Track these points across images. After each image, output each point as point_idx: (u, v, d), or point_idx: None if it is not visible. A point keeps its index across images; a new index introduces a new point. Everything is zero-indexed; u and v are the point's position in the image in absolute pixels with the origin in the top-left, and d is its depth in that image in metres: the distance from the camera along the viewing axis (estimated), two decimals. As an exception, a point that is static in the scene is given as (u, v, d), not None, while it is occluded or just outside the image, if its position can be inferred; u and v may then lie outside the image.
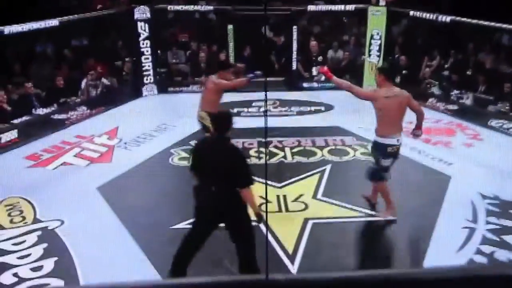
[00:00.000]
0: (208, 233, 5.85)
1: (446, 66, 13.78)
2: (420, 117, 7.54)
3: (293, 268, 6.44)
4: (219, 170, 5.65)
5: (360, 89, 7.78)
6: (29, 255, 6.72)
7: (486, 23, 11.75)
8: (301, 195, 8.36)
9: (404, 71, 13.90)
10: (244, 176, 5.67)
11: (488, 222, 7.50)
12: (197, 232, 5.89)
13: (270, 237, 7.01)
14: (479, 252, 6.78)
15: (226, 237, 5.91)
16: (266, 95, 4.98)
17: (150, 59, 13.88)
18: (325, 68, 8.00)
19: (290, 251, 6.78)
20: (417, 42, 14.98)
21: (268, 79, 12.86)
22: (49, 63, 13.54)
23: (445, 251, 6.78)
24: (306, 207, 8.02)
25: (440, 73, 13.74)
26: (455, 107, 12.63)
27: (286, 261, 6.58)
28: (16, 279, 6.21)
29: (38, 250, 6.83)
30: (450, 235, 7.13)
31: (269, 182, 8.71)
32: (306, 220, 7.57)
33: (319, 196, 8.40)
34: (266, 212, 7.64)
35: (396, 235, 7.48)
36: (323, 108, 13.01)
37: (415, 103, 7.49)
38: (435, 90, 13.38)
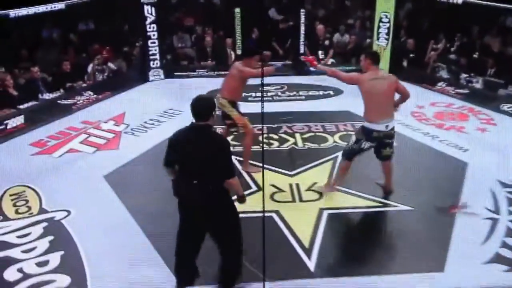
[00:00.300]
0: (199, 231, 5.41)
1: (452, 49, 13.58)
2: (404, 99, 7.51)
3: (311, 264, 6.18)
4: (202, 161, 5.13)
5: (345, 74, 7.67)
6: (34, 248, 6.50)
7: (497, 4, 11.49)
8: (314, 184, 8.10)
9: (411, 55, 13.81)
10: (230, 166, 5.32)
11: (511, 212, 7.25)
12: (187, 233, 5.44)
13: (285, 230, 6.82)
14: (504, 245, 6.49)
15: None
16: (262, 81, 4.73)
17: (156, 43, 13.66)
18: (309, 56, 7.93)
19: (307, 244, 6.51)
20: (424, 25, 14.74)
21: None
22: (56, 47, 13.43)
23: (469, 244, 6.52)
24: (321, 196, 7.77)
25: (447, 57, 13.55)
26: (465, 91, 12.44)
27: (303, 255, 6.32)
28: (21, 275, 5.98)
29: (44, 243, 6.59)
30: (473, 227, 6.89)
31: (281, 170, 8.55)
32: (321, 211, 7.32)
33: (333, 184, 8.16)
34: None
35: (416, 227, 7.11)
36: (332, 92, 12.78)
37: (402, 87, 7.42)
38: (444, 73, 13.20)
